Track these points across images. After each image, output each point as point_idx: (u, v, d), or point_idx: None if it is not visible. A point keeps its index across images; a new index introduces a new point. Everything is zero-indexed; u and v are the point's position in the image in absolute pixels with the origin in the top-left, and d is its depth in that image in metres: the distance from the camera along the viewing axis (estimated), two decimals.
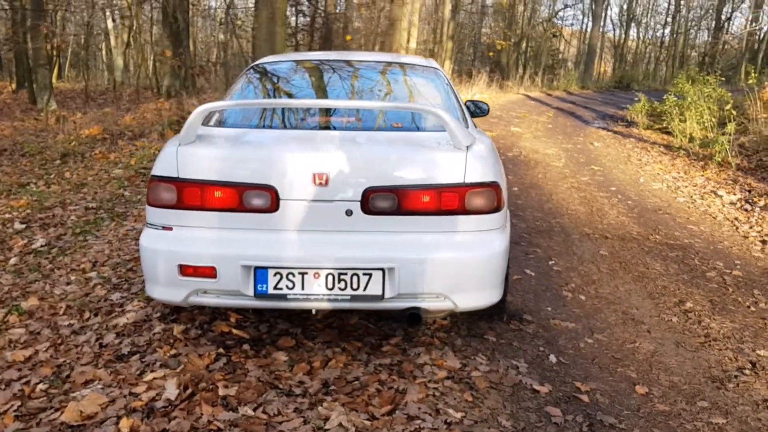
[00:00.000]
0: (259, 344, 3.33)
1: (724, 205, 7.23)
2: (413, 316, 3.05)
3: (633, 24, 41.98)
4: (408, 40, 18.60)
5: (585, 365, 3.32)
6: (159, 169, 2.98)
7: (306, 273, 2.90)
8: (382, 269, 2.89)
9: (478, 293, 3.00)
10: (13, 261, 4.67)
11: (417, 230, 2.94)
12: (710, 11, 39.81)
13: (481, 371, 3.12)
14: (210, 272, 2.91)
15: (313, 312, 3.38)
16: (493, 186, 2.95)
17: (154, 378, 2.99)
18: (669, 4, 41.71)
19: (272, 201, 2.89)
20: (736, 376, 3.29)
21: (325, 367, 3.10)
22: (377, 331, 3.51)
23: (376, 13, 19.07)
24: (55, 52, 18.38)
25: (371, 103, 3.38)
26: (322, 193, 2.88)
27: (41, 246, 5.05)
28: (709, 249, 5.50)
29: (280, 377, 3.01)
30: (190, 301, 3.01)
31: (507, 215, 3.25)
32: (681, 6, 39.51)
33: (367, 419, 2.69)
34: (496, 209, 2.98)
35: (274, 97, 3.82)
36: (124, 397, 2.85)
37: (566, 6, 44.26)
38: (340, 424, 2.64)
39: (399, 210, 2.90)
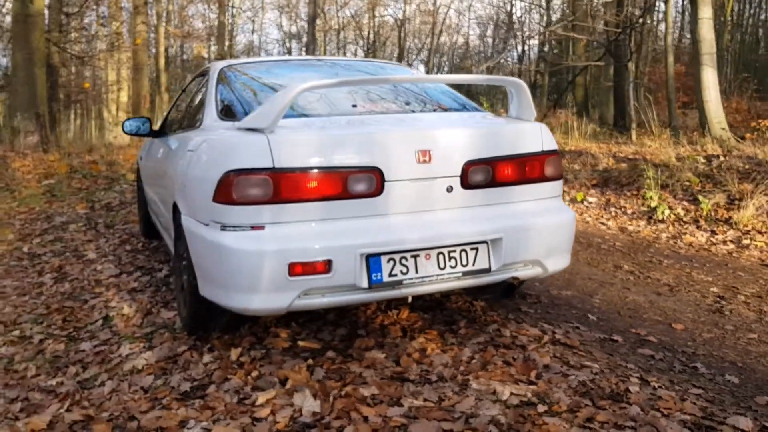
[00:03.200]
0: (337, 351, 3.05)
1: None
2: (510, 287, 3.09)
3: None
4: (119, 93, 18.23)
5: (617, 318, 3.62)
6: (244, 160, 2.62)
7: (418, 255, 2.78)
8: (486, 242, 2.88)
9: (562, 256, 3.14)
10: None
11: (511, 200, 3.00)
12: None
13: (559, 334, 3.24)
14: (323, 267, 2.63)
15: (409, 300, 3.19)
16: (558, 153, 3.14)
17: (268, 399, 2.59)
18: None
19: (377, 184, 2.73)
20: (721, 307, 3.86)
21: (427, 356, 2.96)
22: (430, 320, 3.43)
23: (114, 58, 17.93)
24: None
25: (459, 76, 3.32)
26: (425, 170, 2.80)
27: None
28: (577, 231, 6.26)
29: (400, 372, 2.81)
30: (294, 305, 2.68)
31: None
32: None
33: (529, 384, 2.66)
34: (561, 176, 3.17)
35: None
36: (254, 424, 2.43)
37: None
38: (513, 393, 2.57)
39: (493, 182, 2.94)
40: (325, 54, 43.47)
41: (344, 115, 3.12)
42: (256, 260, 2.58)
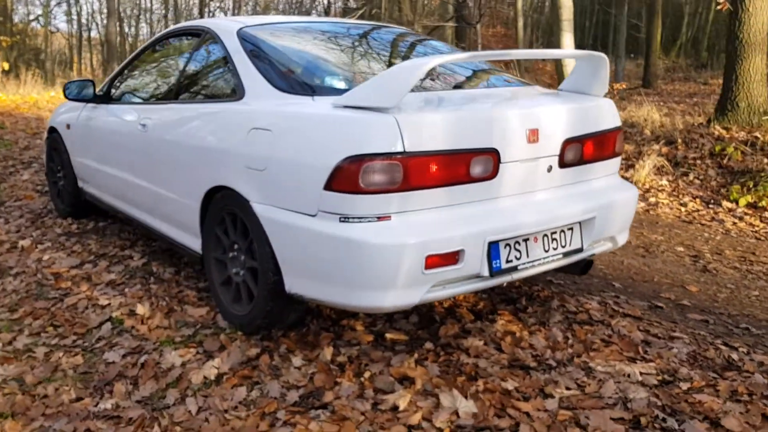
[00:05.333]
0: (430, 341, 2.88)
1: None
2: (589, 264, 3.11)
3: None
4: None
5: (635, 283, 3.79)
6: (373, 144, 2.34)
7: (528, 239, 2.70)
8: (579, 222, 2.87)
9: (627, 230, 3.21)
10: None
11: (592, 177, 3.00)
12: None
13: (612, 305, 3.33)
14: (455, 258, 2.46)
15: (504, 284, 3.06)
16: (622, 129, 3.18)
17: (410, 403, 2.39)
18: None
19: (494, 166, 2.59)
20: (704, 266, 4.20)
21: (522, 339, 2.90)
22: (488, 299, 3.36)
23: None
24: None
25: (550, 51, 3.13)
26: (533, 150, 2.71)
27: None
28: None
29: (514, 360, 2.72)
30: (424, 299, 2.49)
31: None
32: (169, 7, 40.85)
33: (647, 362, 2.71)
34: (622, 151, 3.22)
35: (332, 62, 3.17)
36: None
37: (58, 3, 41.46)
38: (642, 373, 2.61)
39: (581, 160, 2.91)
40: None
41: (439, 91, 2.91)
42: (395, 254, 2.34)
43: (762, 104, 7.79)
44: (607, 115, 3.04)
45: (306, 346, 2.83)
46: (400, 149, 2.35)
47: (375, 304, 2.43)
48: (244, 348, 2.82)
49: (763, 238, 5.09)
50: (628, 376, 2.59)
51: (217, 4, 45.57)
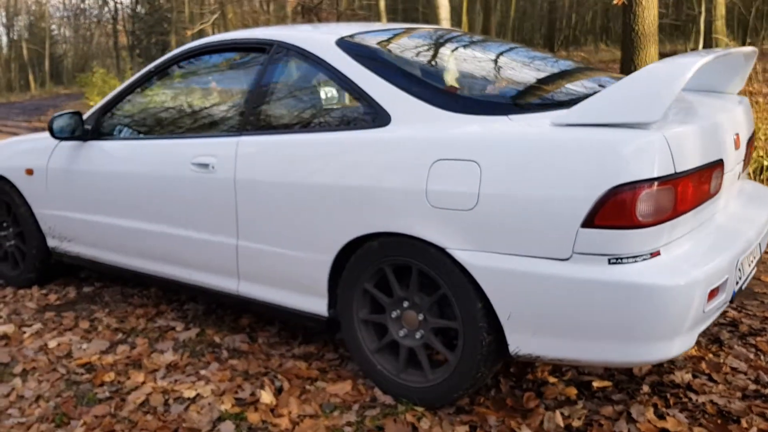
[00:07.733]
0: (638, 383, 2.54)
1: None
2: None
3: None
4: None
5: None
6: (646, 167, 1.97)
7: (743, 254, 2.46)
8: None
9: None
10: None
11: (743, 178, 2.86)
12: None
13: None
14: (719, 289, 2.16)
15: None
16: None
17: None
18: None
19: (721, 178, 2.33)
20: None
21: (719, 365, 2.66)
22: None
23: None
24: None
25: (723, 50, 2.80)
26: (737, 157, 2.51)
27: None
28: None
29: (741, 388, 2.47)
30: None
31: None
32: None
33: None
34: None
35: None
36: None
37: None
38: None
39: (746, 162, 2.75)
40: None
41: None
42: (687, 294, 2.00)
43: None
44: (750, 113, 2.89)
45: (514, 413, 2.37)
46: (671, 171, 2.00)
47: (660, 356, 2.05)
48: (446, 429, 2.29)
49: None
50: None
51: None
